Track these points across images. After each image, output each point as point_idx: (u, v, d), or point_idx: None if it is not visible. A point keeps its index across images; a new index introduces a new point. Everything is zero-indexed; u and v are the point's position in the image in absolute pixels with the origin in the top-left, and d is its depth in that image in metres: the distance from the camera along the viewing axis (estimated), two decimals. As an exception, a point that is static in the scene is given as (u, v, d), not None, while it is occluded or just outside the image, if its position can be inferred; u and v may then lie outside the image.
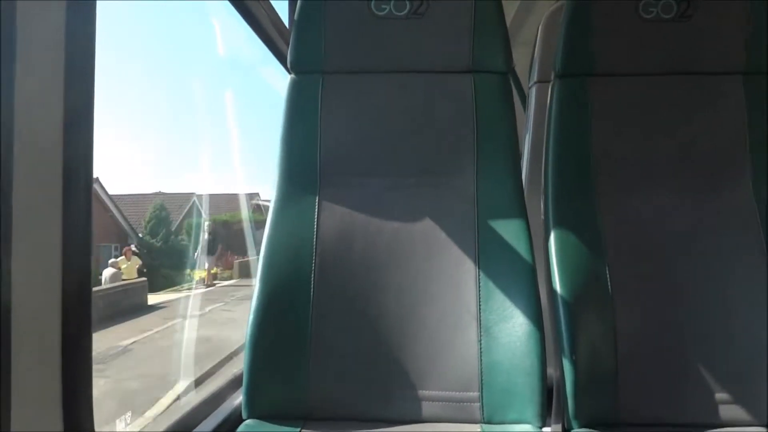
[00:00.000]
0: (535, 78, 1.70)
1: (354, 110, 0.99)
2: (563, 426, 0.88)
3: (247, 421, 0.86)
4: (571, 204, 0.96)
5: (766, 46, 0.97)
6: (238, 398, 0.91)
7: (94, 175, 0.61)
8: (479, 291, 0.89)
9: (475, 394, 0.85)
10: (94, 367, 0.59)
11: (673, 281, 0.92)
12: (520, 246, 0.89)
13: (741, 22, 0.98)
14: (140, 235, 14.07)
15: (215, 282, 11.03)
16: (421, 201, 0.95)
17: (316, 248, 0.92)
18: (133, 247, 11.25)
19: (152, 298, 9.05)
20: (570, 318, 0.88)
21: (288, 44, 1.02)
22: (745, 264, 0.92)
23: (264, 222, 0.95)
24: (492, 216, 0.92)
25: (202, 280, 10.61)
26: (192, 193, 15.66)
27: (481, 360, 0.86)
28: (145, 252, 13.04)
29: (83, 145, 0.57)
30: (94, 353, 0.59)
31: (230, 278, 11.71)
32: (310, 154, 0.97)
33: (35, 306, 0.52)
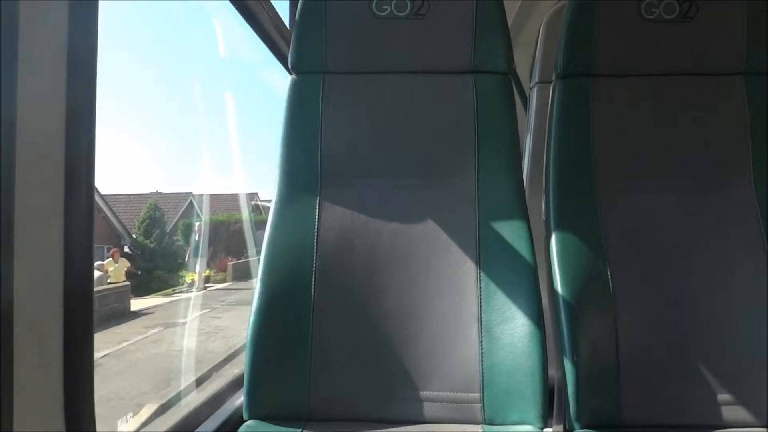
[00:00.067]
0: (536, 78, 1.71)
1: (355, 111, 0.99)
2: (565, 427, 0.88)
3: (249, 422, 0.86)
4: (572, 204, 0.96)
5: (767, 46, 0.98)
6: (240, 399, 0.91)
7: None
8: (480, 291, 0.89)
9: (477, 395, 0.85)
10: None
11: (674, 281, 0.93)
12: (521, 246, 0.89)
13: (742, 22, 0.98)
14: (134, 236, 13.98)
15: (207, 285, 10.91)
16: (422, 201, 0.95)
17: (316, 249, 0.92)
18: (126, 249, 11.15)
19: (138, 304, 8.69)
20: (571, 318, 0.88)
21: (289, 45, 1.01)
22: (746, 263, 0.92)
23: (262, 222, 0.95)
24: (493, 216, 0.92)
25: (194, 283, 10.50)
26: (189, 193, 15.59)
27: (482, 361, 0.86)
28: (139, 253, 12.96)
29: (85, 145, 0.57)
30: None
31: (223, 281, 11.60)
32: (311, 155, 0.97)
33: (37, 306, 0.52)
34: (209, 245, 11.05)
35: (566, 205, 0.96)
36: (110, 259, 9.54)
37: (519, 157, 0.97)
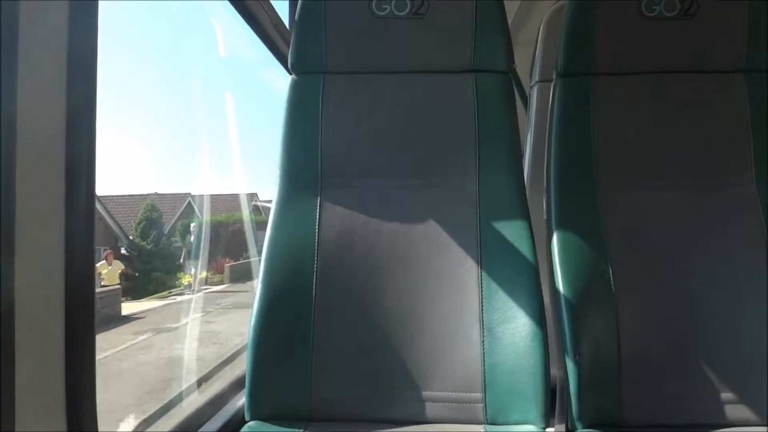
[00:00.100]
0: (536, 77, 1.71)
1: (355, 111, 0.99)
2: (567, 426, 0.88)
3: (250, 423, 0.85)
4: (573, 203, 0.96)
5: (767, 44, 0.98)
6: (241, 399, 0.91)
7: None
8: (482, 291, 0.88)
9: (478, 394, 0.85)
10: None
11: (675, 279, 0.93)
12: (522, 245, 0.89)
13: (743, 20, 0.98)
14: (130, 237, 13.94)
15: (203, 287, 10.83)
16: (422, 201, 0.95)
17: (317, 249, 0.92)
18: (122, 250, 11.09)
19: (129, 307, 8.53)
20: (573, 317, 0.88)
21: (288, 45, 1.01)
22: (748, 262, 0.92)
23: (263, 223, 0.94)
24: (494, 216, 0.92)
25: (190, 285, 10.41)
26: (187, 194, 15.56)
27: (484, 360, 0.86)
28: (136, 255, 12.92)
29: (86, 145, 0.57)
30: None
31: (220, 283, 11.53)
32: (312, 155, 0.97)
33: (38, 306, 0.52)
34: (207, 246, 10.99)
35: (567, 204, 0.96)
36: (104, 261, 9.45)
37: (520, 157, 0.97)
